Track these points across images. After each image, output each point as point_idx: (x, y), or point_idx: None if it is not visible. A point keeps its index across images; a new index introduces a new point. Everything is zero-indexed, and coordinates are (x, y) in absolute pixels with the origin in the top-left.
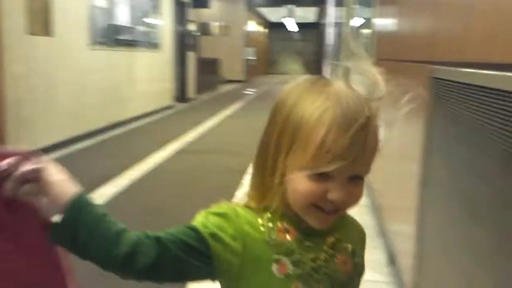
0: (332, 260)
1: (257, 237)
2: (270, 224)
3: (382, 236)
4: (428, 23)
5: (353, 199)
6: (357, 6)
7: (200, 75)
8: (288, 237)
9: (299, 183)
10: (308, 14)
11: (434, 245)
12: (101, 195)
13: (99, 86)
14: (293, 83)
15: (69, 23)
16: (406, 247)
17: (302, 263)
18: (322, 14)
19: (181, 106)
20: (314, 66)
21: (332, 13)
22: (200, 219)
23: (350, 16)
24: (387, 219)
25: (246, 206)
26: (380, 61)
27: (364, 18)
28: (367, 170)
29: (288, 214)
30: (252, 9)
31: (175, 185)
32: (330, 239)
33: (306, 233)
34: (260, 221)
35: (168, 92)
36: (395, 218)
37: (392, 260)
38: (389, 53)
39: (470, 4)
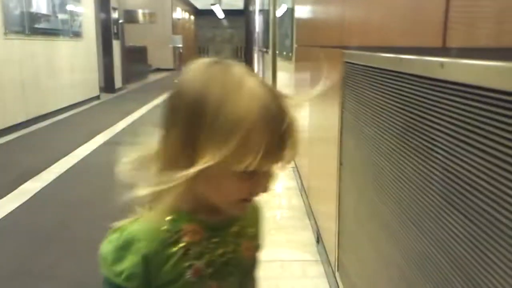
0: (238, 249)
1: (164, 254)
2: (175, 228)
3: (310, 217)
4: (339, 10)
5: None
6: None
7: (127, 64)
8: (196, 238)
9: (226, 182)
10: (236, 1)
11: (351, 222)
12: (25, 191)
13: (17, 77)
14: (191, 71)
15: None
16: (329, 226)
17: (213, 261)
18: (249, 1)
19: (108, 96)
20: (243, 53)
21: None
22: (109, 264)
23: (274, 3)
24: (313, 200)
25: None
26: (299, 47)
27: (287, 6)
28: (289, 161)
29: (194, 211)
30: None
31: (101, 177)
32: (234, 228)
33: (212, 228)
34: (164, 227)
35: (94, 82)
36: (320, 199)
37: (319, 239)
38: (307, 39)
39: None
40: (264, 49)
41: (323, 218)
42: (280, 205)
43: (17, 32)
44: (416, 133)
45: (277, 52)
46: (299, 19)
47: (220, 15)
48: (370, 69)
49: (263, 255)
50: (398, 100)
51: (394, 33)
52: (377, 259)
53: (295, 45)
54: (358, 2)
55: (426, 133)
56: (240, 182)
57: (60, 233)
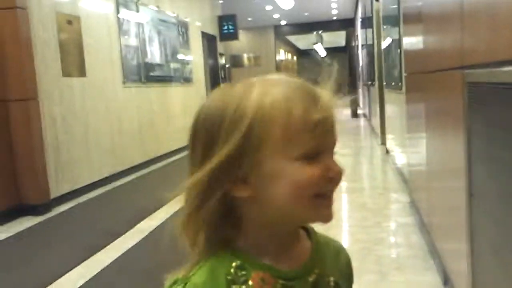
0: None
1: None
2: (242, 276)
3: (434, 256)
4: (454, 31)
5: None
6: (384, 27)
7: None
8: None
9: (295, 174)
10: (337, 38)
11: (489, 261)
12: (141, 230)
13: (135, 122)
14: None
15: (102, 63)
16: (459, 266)
17: None
18: (350, 37)
19: None
20: (347, 89)
21: (360, 35)
22: None
23: (379, 36)
24: (437, 237)
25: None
26: (410, 75)
27: (392, 38)
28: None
29: (260, 253)
30: (281, 38)
31: None
32: (311, 278)
33: (284, 277)
34: (230, 276)
35: None
36: (446, 236)
37: (446, 280)
38: (418, 66)
39: (495, 12)
40: (369, 82)
41: (451, 257)
42: (397, 243)
43: (134, 81)
44: None
45: (384, 83)
46: (407, 45)
47: (322, 53)
48: (503, 86)
49: None
50: None
51: None
52: None
53: (404, 74)
54: (480, 21)
55: None
56: (306, 167)
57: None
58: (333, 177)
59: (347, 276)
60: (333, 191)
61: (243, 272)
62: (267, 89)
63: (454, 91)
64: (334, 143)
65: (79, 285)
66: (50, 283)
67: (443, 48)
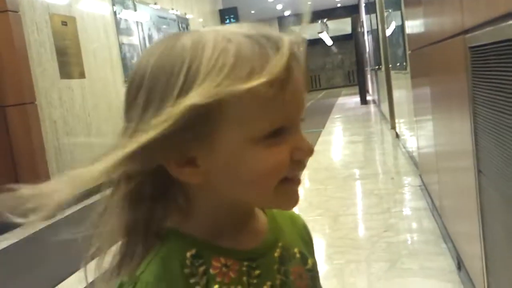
0: (288, 279)
1: None
2: (200, 266)
3: (447, 240)
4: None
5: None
6: (388, 10)
7: None
8: (231, 275)
9: (255, 159)
10: (343, 25)
11: (501, 243)
12: None
13: None
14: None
15: (101, 63)
16: (472, 249)
17: None
18: (356, 24)
19: None
20: (356, 76)
21: (365, 21)
22: None
23: (382, 17)
24: (449, 220)
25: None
26: (413, 52)
27: (394, 16)
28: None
29: (214, 237)
30: (285, 29)
31: None
32: (277, 253)
33: (248, 257)
34: (187, 269)
35: None
36: (457, 218)
37: (460, 265)
38: (421, 40)
39: None
40: (376, 67)
41: (463, 240)
42: (410, 228)
43: None
44: None
45: (390, 66)
46: (409, 21)
47: (328, 42)
48: (506, 44)
49: None
50: None
51: None
52: None
53: (408, 52)
54: None
55: None
56: (272, 148)
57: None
58: (301, 158)
59: (309, 241)
60: (302, 172)
61: (201, 261)
62: (221, 45)
63: (457, 59)
64: (301, 113)
65: None
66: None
67: (444, 16)
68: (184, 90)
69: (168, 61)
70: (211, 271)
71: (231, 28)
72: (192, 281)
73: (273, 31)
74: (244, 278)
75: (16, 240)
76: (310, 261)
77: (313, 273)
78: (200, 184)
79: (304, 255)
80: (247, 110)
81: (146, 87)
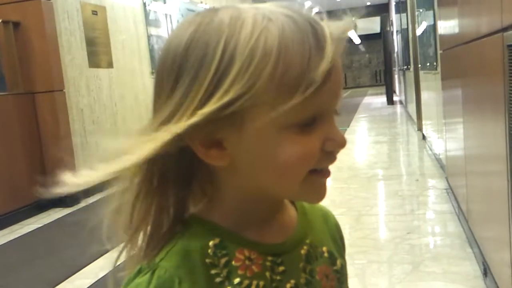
0: (313, 279)
1: None
2: (223, 256)
3: (473, 245)
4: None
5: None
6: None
7: None
8: (254, 269)
9: (283, 146)
10: (371, 24)
11: None
12: None
13: None
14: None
15: (129, 53)
16: (500, 255)
17: None
18: (385, 23)
19: None
20: (383, 75)
21: (395, 20)
22: None
23: (413, 15)
24: (476, 225)
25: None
26: (445, 51)
27: (426, 14)
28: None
29: (241, 229)
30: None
31: None
32: (303, 250)
33: (273, 252)
34: (208, 259)
35: None
36: (485, 223)
37: (486, 271)
38: (453, 39)
39: None
40: (405, 67)
41: (490, 246)
42: (434, 231)
43: None
44: None
45: (419, 66)
46: (442, 20)
47: (356, 40)
48: None
49: None
50: None
51: None
52: None
53: (439, 52)
54: None
55: None
56: (303, 136)
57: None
58: (332, 150)
59: (339, 241)
60: (331, 164)
61: (224, 252)
62: (262, 25)
63: (493, 58)
64: (337, 103)
65: (100, 276)
66: (74, 273)
67: (481, 13)
68: (218, 78)
69: (203, 38)
70: (234, 263)
71: (272, 6)
72: (213, 272)
73: (316, 18)
74: (267, 274)
75: (40, 225)
76: (338, 262)
77: (341, 275)
78: (227, 170)
79: (333, 255)
80: (279, 102)
81: (178, 64)
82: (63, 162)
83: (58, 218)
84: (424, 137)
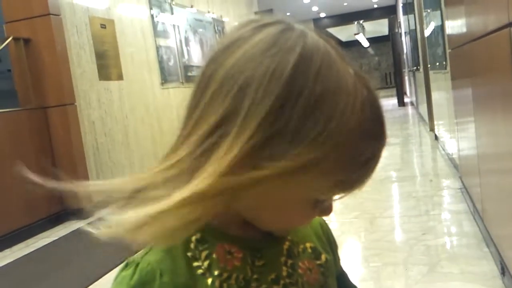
0: (295, 272)
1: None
2: (204, 250)
3: (489, 244)
4: None
5: None
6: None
7: None
8: (235, 262)
9: (294, 207)
10: (379, 27)
11: None
12: None
13: (175, 122)
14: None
15: (139, 65)
16: None
17: None
18: (393, 25)
19: None
20: (393, 77)
21: (403, 22)
22: None
23: (421, 16)
24: (492, 224)
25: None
26: (454, 50)
27: (434, 14)
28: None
29: (224, 226)
30: (321, 31)
31: None
32: (285, 245)
33: (254, 248)
34: (189, 252)
35: None
36: (502, 222)
37: (504, 270)
38: (461, 38)
39: None
40: (414, 68)
41: (507, 245)
42: (450, 231)
43: (172, 82)
44: None
45: (429, 66)
46: (450, 19)
47: (365, 43)
48: None
49: None
50: None
51: None
52: None
53: (448, 51)
54: None
55: None
56: (311, 209)
57: None
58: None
59: (323, 238)
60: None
61: (205, 246)
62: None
63: (501, 54)
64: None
65: None
66: (89, 285)
67: (488, 8)
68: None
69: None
70: (214, 255)
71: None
72: (195, 264)
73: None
74: (247, 267)
75: (55, 238)
76: (323, 257)
77: (325, 269)
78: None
79: (316, 250)
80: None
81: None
82: (76, 173)
83: (73, 230)
84: (436, 138)
